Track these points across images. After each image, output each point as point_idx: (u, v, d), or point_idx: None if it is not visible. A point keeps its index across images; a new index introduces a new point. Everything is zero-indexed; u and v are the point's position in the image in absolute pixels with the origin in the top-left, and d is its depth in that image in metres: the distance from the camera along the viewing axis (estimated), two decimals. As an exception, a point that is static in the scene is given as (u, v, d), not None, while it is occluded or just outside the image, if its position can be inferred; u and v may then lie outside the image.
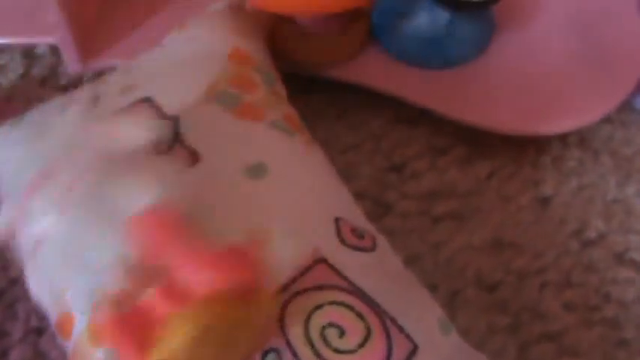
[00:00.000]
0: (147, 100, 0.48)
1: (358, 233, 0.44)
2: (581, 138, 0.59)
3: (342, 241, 0.43)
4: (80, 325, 0.40)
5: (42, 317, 0.51)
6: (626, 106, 0.61)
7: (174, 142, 0.45)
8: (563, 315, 0.51)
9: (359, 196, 0.54)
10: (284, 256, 0.41)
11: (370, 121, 0.60)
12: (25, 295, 0.51)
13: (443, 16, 0.57)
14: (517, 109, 0.56)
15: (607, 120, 0.60)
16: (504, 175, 0.57)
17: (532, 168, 0.58)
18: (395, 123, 0.60)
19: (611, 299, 0.52)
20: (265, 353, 0.38)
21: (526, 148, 0.58)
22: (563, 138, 0.59)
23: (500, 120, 0.56)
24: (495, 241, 0.54)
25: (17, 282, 0.53)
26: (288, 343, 0.38)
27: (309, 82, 0.60)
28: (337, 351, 0.38)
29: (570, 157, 0.58)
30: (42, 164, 0.46)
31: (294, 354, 0.38)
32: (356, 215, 0.46)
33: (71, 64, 0.61)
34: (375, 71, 0.58)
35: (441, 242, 0.54)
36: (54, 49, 0.65)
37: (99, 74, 0.57)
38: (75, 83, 0.62)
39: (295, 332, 0.39)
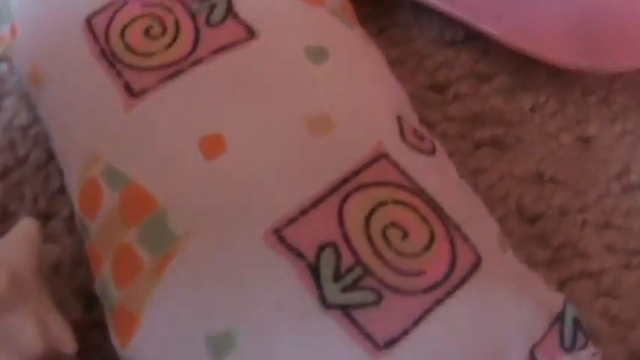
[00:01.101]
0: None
1: (419, 135, 0.41)
2: (625, 84, 0.57)
3: (405, 140, 0.40)
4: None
5: (50, 200, 0.48)
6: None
7: (227, 16, 0.41)
8: (603, 255, 0.49)
9: (399, 113, 0.52)
10: (345, 146, 0.38)
11: (413, 40, 0.57)
12: (34, 176, 0.47)
13: None
14: (565, 40, 0.53)
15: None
16: (548, 111, 0.55)
17: (576, 107, 0.55)
18: (438, 44, 0.57)
19: (651, 245, 0.50)
20: (322, 247, 0.35)
21: (571, 87, 0.56)
22: (609, 82, 0.57)
23: (551, 48, 0.53)
24: (537, 174, 0.52)
25: (25, 161, 0.49)
26: (347, 240, 0.35)
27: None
28: (399, 253, 0.35)
29: (615, 101, 0.56)
30: None
31: (354, 252, 0.35)
32: (413, 117, 0.43)
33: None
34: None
35: (482, 168, 0.51)
36: None
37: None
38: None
39: (355, 228, 0.36)
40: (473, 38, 0.55)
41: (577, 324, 0.37)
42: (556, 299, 0.38)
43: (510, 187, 0.51)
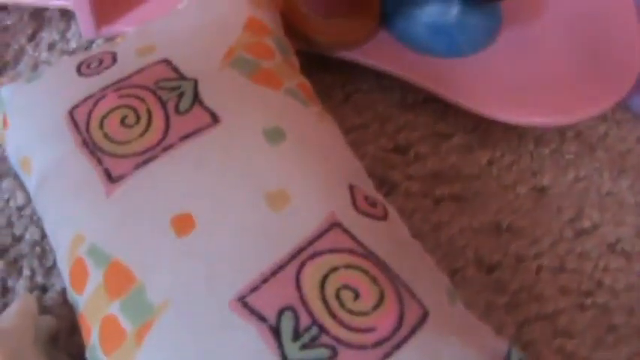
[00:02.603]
0: (166, 62, 0.48)
1: (371, 201, 0.45)
2: (577, 133, 0.61)
3: (356, 208, 0.44)
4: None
5: (46, 274, 0.52)
6: (620, 106, 0.62)
7: (194, 103, 0.46)
8: (557, 297, 0.52)
9: (364, 174, 0.56)
10: (301, 218, 0.42)
11: (376, 105, 0.61)
12: (30, 252, 0.51)
13: (453, 5, 0.58)
14: (519, 101, 0.58)
15: (603, 118, 0.62)
16: (504, 164, 0.59)
17: (530, 158, 0.59)
18: (400, 107, 0.61)
19: (603, 286, 0.53)
20: (282, 310, 0.39)
21: (525, 140, 0.60)
22: (561, 132, 0.61)
23: (502, 110, 0.57)
24: (494, 225, 0.55)
25: (22, 239, 0.53)
26: (304, 303, 0.39)
27: (320, 62, 0.62)
28: (352, 312, 0.39)
29: (567, 151, 0.60)
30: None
31: (310, 313, 0.39)
32: (367, 184, 0.47)
33: (85, 29, 0.61)
34: (385, 55, 0.60)
35: (443, 222, 0.55)
36: (64, 13, 0.66)
37: (109, 40, 0.58)
38: (84, 49, 0.63)
39: (311, 292, 0.39)
40: (432, 100, 0.59)
41: (523, 366, 0.41)
42: (501, 345, 0.42)
43: (469, 239, 0.54)
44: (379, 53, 0.60)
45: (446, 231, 0.54)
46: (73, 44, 0.64)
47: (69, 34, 0.65)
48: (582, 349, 0.50)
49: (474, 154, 0.59)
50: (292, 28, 0.59)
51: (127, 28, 0.61)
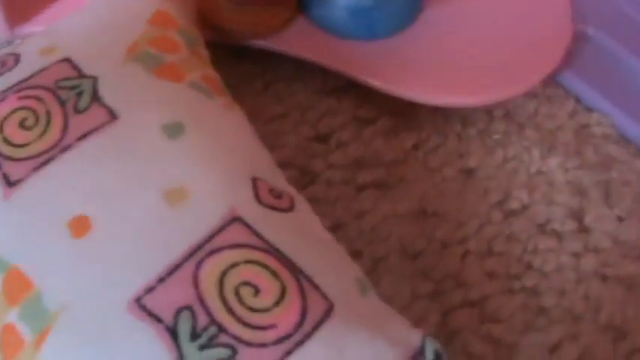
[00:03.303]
0: (67, 60, 0.47)
1: (276, 193, 0.44)
2: (506, 112, 0.60)
3: (259, 201, 0.42)
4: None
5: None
6: (551, 81, 0.61)
7: (92, 101, 0.44)
8: (484, 283, 0.51)
9: (285, 164, 0.55)
10: (200, 214, 0.41)
11: (297, 93, 0.60)
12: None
13: (371, -13, 0.57)
14: (442, 81, 0.57)
15: (533, 95, 0.61)
16: (430, 147, 0.57)
17: (458, 140, 0.58)
18: (321, 94, 0.60)
19: (532, 268, 0.52)
20: (179, 311, 0.37)
21: (452, 121, 0.59)
22: (489, 111, 0.60)
23: (426, 91, 0.56)
24: (419, 211, 0.54)
25: None
26: (202, 301, 0.38)
27: (238, 52, 0.60)
28: (252, 309, 0.38)
29: (496, 131, 0.59)
30: None
31: (208, 312, 0.38)
32: (275, 176, 0.46)
33: (-1, 29, 0.60)
34: (304, 42, 0.59)
35: (365, 210, 0.54)
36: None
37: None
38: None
39: (209, 290, 0.38)
40: (355, 85, 0.58)
41: (438, 357, 0.40)
42: (414, 335, 0.40)
43: (393, 226, 0.53)
44: (298, 40, 0.58)
45: (369, 219, 0.53)
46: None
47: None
48: (510, 334, 0.49)
49: (398, 138, 0.57)
50: (206, 18, 0.57)
51: (41, 26, 0.59)
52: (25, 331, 0.39)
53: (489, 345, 0.49)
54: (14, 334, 0.39)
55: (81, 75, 0.46)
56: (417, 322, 0.49)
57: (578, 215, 0.55)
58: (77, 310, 0.38)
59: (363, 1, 0.57)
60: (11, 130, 0.44)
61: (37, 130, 0.44)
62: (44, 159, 0.43)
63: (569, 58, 0.61)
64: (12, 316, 0.39)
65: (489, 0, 0.62)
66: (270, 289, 0.39)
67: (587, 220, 0.55)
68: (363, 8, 0.57)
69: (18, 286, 0.40)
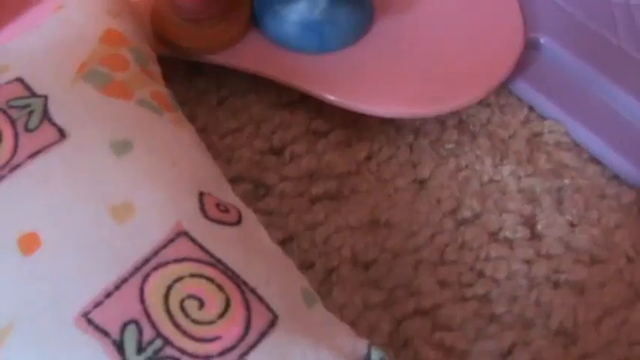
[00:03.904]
0: (19, 80, 0.48)
1: (222, 207, 0.44)
2: (459, 121, 0.60)
3: (205, 215, 0.43)
4: None
5: None
6: (504, 90, 0.62)
7: (42, 120, 0.45)
8: (436, 291, 0.52)
9: (239, 178, 0.55)
10: (146, 229, 0.41)
11: (251, 106, 0.60)
12: None
13: (321, 1, 0.57)
14: (394, 93, 0.57)
15: (485, 104, 0.61)
16: (383, 158, 0.58)
17: (410, 150, 0.59)
18: (275, 107, 0.61)
19: (484, 276, 0.53)
20: (125, 324, 0.38)
21: (404, 131, 0.59)
22: (441, 121, 0.60)
23: (377, 103, 0.57)
24: (371, 221, 0.55)
25: None
26: (148, 315, 0.39)
27: (192, 67, 0.61)
28: (196, 322, 0.39)
29: (448, 140, 0.59)
30: None
31: (154, 325, 0.38)
32: (222, 190, 0.47)
33: (-50, 50, 0.60)
34: (256, 56, 0.59)
35: (318, 222, 0.54)
36: None
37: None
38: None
39: (155, 304, 0.39)
40: (308, 98, 0.58)
41: (384, 365, 0.40)
42: (360, 345, 0.41)
43: (346, 237, 0.54)
44: (251, 55, 0.59)
45: (321, 230, 0.54)
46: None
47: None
48: (462, 341, 0.50)
49: (351, 149, 0.58)
50: (160, 35, 0.58)
51: (-4, 45, 0.59)
52: (-27, 349, 0.39)
53: (442, 353, 0.50)
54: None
55: (32, 94, 0.47)
56: (370, 332, 0.50)
57: (530, 222, 0.56)
58: (27, 326, 0.39)
59: (313, 15, 0.58)
60: None
61: None
62: (-4, 177, 0.43)
63: (522, 67, 0.61)
64: (-38, 334, 0.40)
65: (440, 11, 0.62)
66: (214, 301, 0.39)
67: (539, 227, 0.55)
68: (314, 22, 0.58)
69: (-31, 303, 0.41)
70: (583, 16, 0.65)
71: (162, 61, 0.56)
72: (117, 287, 0.40)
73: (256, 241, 0.45)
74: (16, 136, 0.45)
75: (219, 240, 0.42)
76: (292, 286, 0.43)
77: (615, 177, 0.58)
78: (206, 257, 0.41)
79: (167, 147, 0.46)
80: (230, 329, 0.39)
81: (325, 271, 0.52)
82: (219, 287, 0.40)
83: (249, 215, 0.46)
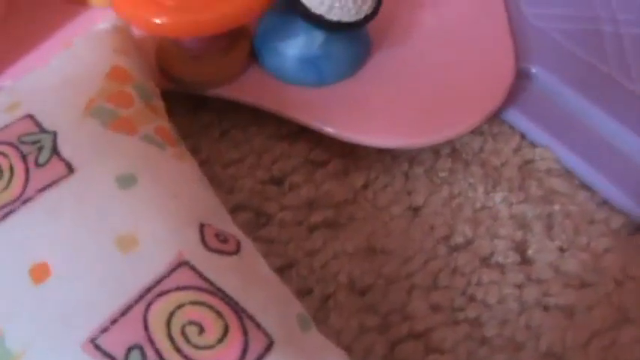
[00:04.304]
0: (30, 117, 0.50)
1: (222, 238, 0.47)
2: (452, 149, 0.63)
3: (206, 246, 0.45)
4: None
5: None
6: (497, 119, 0.64)
7: (52, 155, 0.47)
8: (429, 315, 0.54)
9: (241, 207, 0.57)
10: (148, 259, 0.44)
11: (253, 138, 0.63)
12: None
13: (318, 36, 0.60)
14: (390, 123, 0.59)
15: (479, 133, 0.63)
16: (379, 186, 0.60)
17: (405, 178, 0.61)
18: (276, 139, 0.63)
19: (475, 300, 0.55)
20: (130, 349, 0.40)
21: (399, 160, 0.62)
22: (435, 150, 0.62)
23: (374, 135, 0.59)
24: (368, 248, 0.57)
25: None
26: (151, 341, 0.41)
27: (196, 100, 0.63)
28: (197, 347, 0.41)
29: (442, 168, 0.61)
30: None
31: (157, 350, 0.41)
32: (222, 221, 0.49)
33: (-35, 86, 0.63)
34: (257, 90, 0.62)
35: (316, 249, 0.57)
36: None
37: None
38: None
39: (157, 330, 0.41)
40: (307, 129, 0.60)
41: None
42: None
43: (343, 263, 0.56)
44: (252, 89, 0.61)
45: (319, 257, 0.56)
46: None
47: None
48: (454, 363, 0.52)
49: (348, 178, 0.60)
50: (164, 70, 0.61)
51: (8, 81, 0.62)
52: (-12, 374, 0.42)
53: (434, 375, 0.51)
54: (-21, 376, 0.42)
55: (42, 130, 0.49)
56: (365, 355, 0.52)
57: (521, 248, 0.58)
58: (37, 350, 0.42)
59: (311, 51, 0.60)
60: None
61: (2, 184, 0.47)
62: (7, 210, 0.46)
63: (514, 96, 0.64)
64: (-23, 359, 0.43)
65: (434, 43, 0.65)
66: (213, 327, 0.42)
67: (530, 252, 0.57)
68: (312, 57, 0.60)
69: (-15, 329, 0.43)
70: (574, 46, 0.67)
71: (166, 95, 0.58)
72: (122, 314, 0.42)
73: (254, 269, 0.47)
74: (27, 170, 0.47)
75: (218, 269, 0.45)
76: (288, 312, 0.45)
77: (605, 202, 0.60)
78: (206, 285, 0.43)
79: (169, 180, 0.48)
80: (228, 353, 0.41)
81: (323, 297, 0.54)
82: (219, 314, 0.42)
83: (247, 244, 0.48)
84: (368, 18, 0.59)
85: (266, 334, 0.42)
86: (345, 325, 0.53)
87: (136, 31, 0.60)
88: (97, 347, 0.41)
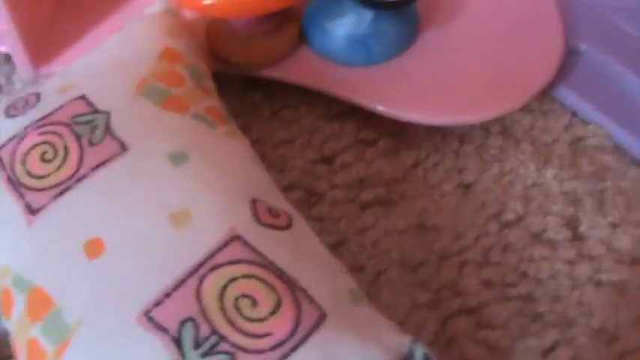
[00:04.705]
0: (82, 98, 0.51)
1: (274, 213, 0.47)
2: (503, 127, 0.62)
3: (258, 220, 0.46)
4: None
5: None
6: (547, 96, 0.64)
7: (105, 134, 0.48)
8: (481, 291, 0.54)
9: (292, 186, 0.58)
10: (202, 234, 0.44)
11: (303, 118, 0.63)
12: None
13: (367, 15, 0.60)
14: (439, 102, 0.60)
15: (529, 111, 0.63)
16: (429, 164, 0.60)
17: (455, 156, 0.61)
18: (326, 119, 0.63)
19: (527, 276, 0.55)
20: (183, 322, 0.41)
21: (450, 138, 0.62)
22: (486, 127, 0.62)
23: (424, 112, 0.59)
24: (419, 225, 0.57)
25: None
26: (204, 313, 0.41)
27: (246, 81, 0.64)
28: (249, 319, 0.41)
29: (492, 146, 0.61)
30: None
31: (210, 322, 0.41)
32: (274, 197, 0.49)
33: (23, 70, 0.64)
34: (307, 70, 0.62)
35: (368, 227, 0.57)
36: (8, 58, 0.69)
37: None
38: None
39: (211, 303, 0.42)
40: (357, 109, 0.61)
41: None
42: (402, 341, 0.44)
43: (394, 240, 0.56)
44: (301, 69, 0.62)
45: (371, 235, 0.56)
46: (18, 86, 0.67)
47: (14, 78, 0.68)
48: (506, 339, 0.52)
49: (398, 157, 0.60)
50: (215, 52, 0.61)
51: (65, 66, 0.63)
52: (46, 345, 0.43)
53: (485, 350, 0.51)
54: (38, 348, 0.44)
55: (95, 110, 0.50)
56: (417, 330, 0.52)
57: (572, 224, 0.57)
58: (93, 324, 0.43)
59: (360, 30, 0.60)
60: (33, 163, 0.49)
61: (56, 162, 0.48)
62: (62, 188, 0.47)
63: (564, 73, 0.63)
64: (35, 332, 0.44)
65: (482, 20, 0.65)
66: (266, 300, 0.42)
67: (582, 228, 0.57)
68: (361, 37, 0.61)
69: (40, 303, 0.45)
70: (623, 23, 0.66)
71: (218, 75, 0.59)
72: (175, 288, 0.43)
73: (306, 244, 0.47)
74: (81, 149, 0.48)
75: (270, 243, 0.45)
76: (340, 287, 0.45)
77: (658, 178, 0.59)
78: (258, 259, 0.44)
79: (221, 157, 0.49)
80: (281, 326, 0.42)
81: (375, 273, 0.55)
82: (271, 287, 0.43)
83: (299, 220, 0.49)
84: (416, -4, 0.59)
85: (318, 307, 0.43)
86: (397, 300, 0.53)
87: (187, 14, 0.61)
88: (151, 320, 0.42)
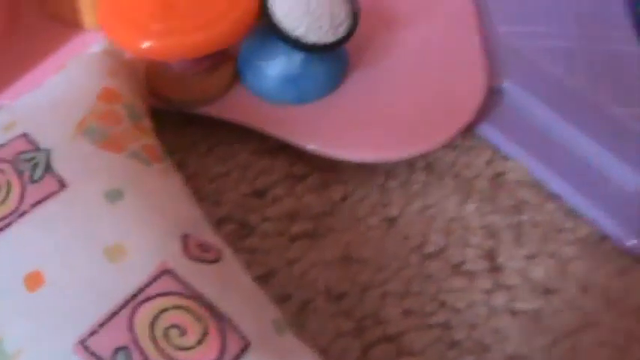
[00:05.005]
0: (24, 136, 0.54)
1: (204, 247, 0.50)
2: (427, 163, 0.66)
3: (188, 255, 0.49)
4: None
5: None
6: (470, 133, 0.67)
7: (45, 172, 0.51)
8: (401, 320, 0.57)
9: (226, 219, 0.61)
10: (134, 268, 0.47)
11: (237, 154, 0.66)
12: None
13: (297, 56, 0.63)
14: (367, 139, 0.63)
15: (452, 146, 0.67)
16: (356, 198, 0.64)
17: (381, 191, 0.64)
18: (259, 154, 0.66)
19: (445, 305, 0.58)
20: (117, 350, 0.44)
21: (376, 174, 0.65)
22: (411, 163, 0.66)
23: (352, 149, 0.62)
24: (344, 257, 0.60)
25: None
26: (136, 342, 0.44)
27: (184, 117, 0.67)
28: (178, 347, 0.44)
29: (416, 181, 0.65)
30: None
31: (141, 351, 0.44)
32: (204, 231, 0.52)
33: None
34: (242, 108, 0.65)
35: (296, 258, 0.60)
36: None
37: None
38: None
39: (142, 332, 0.45)
40: (289, 145, 0.64)
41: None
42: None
43: (320, 272, 0.59)
44: (236, 107, 0.65)
45: (299, 266, 0.59)
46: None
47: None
48: (425, 364, 0.55)
49: (327, 191, 0.64)
50: (153, 89, 0.64)
51: (3, 102, 0.65)
52: (-12, 373, 0.46)
53: (405, 375, 0.55)
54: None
55: (36, 148, 0.53)
56: (340, 357, 0.55)
57: (490, 255, 0.61)
58: (32, 353, 0.45)
59: (291, 70, 0.64)
60: None
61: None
62: (4, 223, 0.50)
63: (486, 111, 0.67)
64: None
65: (408, 60, 0.68)
66: (193, 330, 0.45)
67: (499, 259, 0.61)
68: (292, 77, 0.64)
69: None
70: (544, 63, 0.70)
71: (156, 112, 0.62)
72: (109, 318, 0.45)
73: (233, 276, 0.50)
74: (22, 186, 0.51)
75: (199, 276, 0.48)
76: (264, 317, 0.48)
77: (572, 212, 0.63)
78: (187, 292, 0.47)
79: (154, 195, 0.52)
80: (207, 354, 0.44)
81: (301, 303, 0.57)
82: (198, 317, 0.46)
83: (228, 254, 0.52)
84: (344, 39, 0.62)
85: (242, 336, 0.46)
86: (322, 329, 0.56)
87: (127, 54, 0.63)
88: (87, 349, 0.44)
